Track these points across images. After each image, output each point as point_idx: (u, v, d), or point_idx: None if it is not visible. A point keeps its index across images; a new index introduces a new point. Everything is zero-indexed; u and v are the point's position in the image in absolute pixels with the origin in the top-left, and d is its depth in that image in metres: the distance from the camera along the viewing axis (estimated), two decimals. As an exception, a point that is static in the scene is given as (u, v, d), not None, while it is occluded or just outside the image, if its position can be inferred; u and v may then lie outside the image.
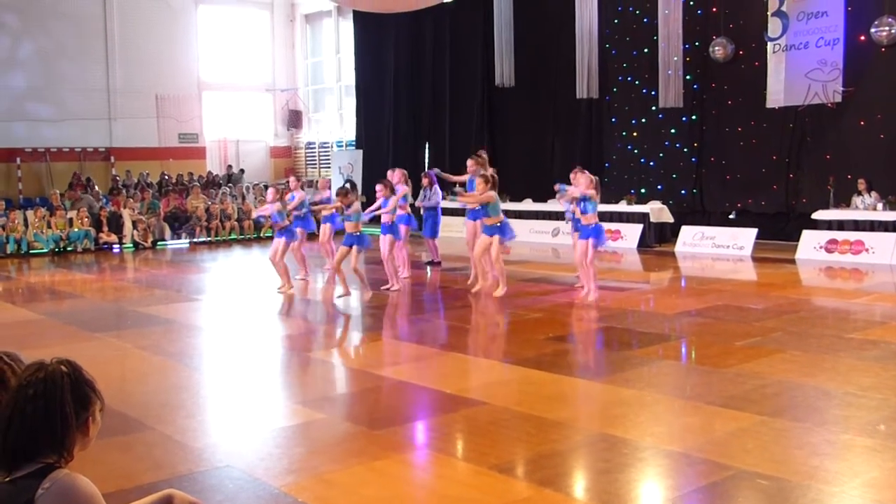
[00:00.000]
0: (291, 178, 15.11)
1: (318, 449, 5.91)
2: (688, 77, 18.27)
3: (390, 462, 5.54)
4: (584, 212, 11.35)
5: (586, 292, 11.43)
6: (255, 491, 5.11)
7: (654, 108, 18.78)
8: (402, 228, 13.36)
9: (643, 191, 19.24)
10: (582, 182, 11.32)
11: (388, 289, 12.61)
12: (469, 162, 13.61)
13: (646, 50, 18.96)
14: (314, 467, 5.48)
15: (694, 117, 18.63)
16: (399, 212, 13.18)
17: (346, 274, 12.13)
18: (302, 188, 14.79)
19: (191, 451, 5.86)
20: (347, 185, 13.42)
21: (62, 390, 2.55)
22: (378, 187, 12.95)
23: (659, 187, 19.19)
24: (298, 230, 13.75)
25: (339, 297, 11.94)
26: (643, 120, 19.47)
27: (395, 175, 13.66)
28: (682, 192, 18.91)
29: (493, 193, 11.55)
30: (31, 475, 2.49)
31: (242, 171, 27.26)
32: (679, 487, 5.01)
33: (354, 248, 11.82)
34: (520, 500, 4.93)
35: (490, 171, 12.44)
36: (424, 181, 15.44)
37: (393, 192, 12.94)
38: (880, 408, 6.41)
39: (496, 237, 11.61)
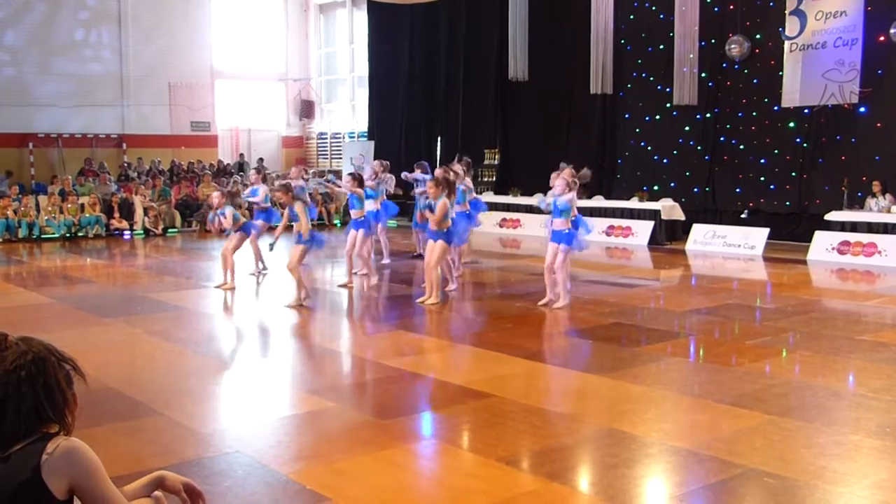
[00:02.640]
0: (252, 172, 14.77)
1: (327, 437, 5.92)
2: (703, 74, 18.23)
3: (398, 452, 5.56)
4: (555, 215, 10.58)
5: (548, 300, 10.76)
6: (263, 477, 5.12)
7: (668, 105, 18.73)
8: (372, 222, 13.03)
9: (655, 188, 19.19)
10: (557, 186, 10.54)
11: (344, 285, 12.41)
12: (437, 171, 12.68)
13: (661, 46, 18.90)
14: (322, 455, 5.49)
15: (708, 115, 18.56)
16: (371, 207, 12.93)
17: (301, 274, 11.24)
18: (264, 180, 14.57)
19: (200, 437, 5.88)
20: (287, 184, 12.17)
21: (53, 367, 2.60)
22: (346, 179, 12.87)
23: (671, 185, 19.12)
24: (259, 222, 13.74)
25: (294, 303, 10.99)
26: (657, 117, 19.42)
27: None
28: (695, 189, 18.86)
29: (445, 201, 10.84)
30: (32, 443, 2.52)
31: (261, 159, 27.33)
32: (686, 484, 5.00)
33: (303, 247, 10.92)
34: (526, 492, 4.93)
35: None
36: (418, 171, 15.20)
37: (362, 185, 12.71)
38: (890, 410, 6.38)
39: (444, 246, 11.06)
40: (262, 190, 14.22)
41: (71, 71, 24.31)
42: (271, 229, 14.38)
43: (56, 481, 2.49)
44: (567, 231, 10.54)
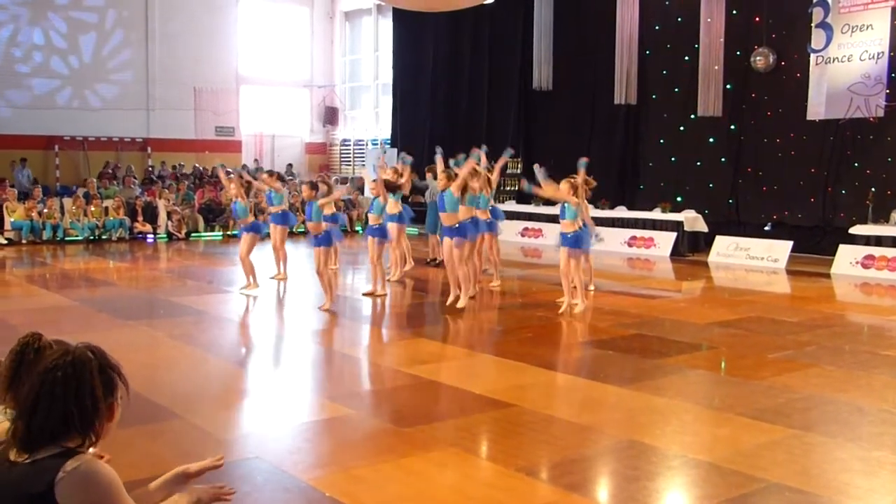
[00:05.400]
0: (264, 175, 14.31)
1: (346, 444, 5.92)
2: (728, 86, 18.13)
3: (417, 460, 5.54)
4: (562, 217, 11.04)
5: (567, 306, 10.96)
6: (282, 483, 5.12)
7: (692, 116, 18.64)
8: (394, 227, 12.95)
9: (679, 199, 19.09)
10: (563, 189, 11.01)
11: (371, 293, 12.23)
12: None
13: (686, 58, 18.81)
14: (342, 462, 5.49)
15: (733, 127, 18.45)
16: (392, 210, 12.78)
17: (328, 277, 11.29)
18: (280, 178, 14.40)
19: (220, 442, 5.89)
20: (316, 181, 12.18)
21: (91, 373, 2.58)
22: (370, 183, 12.84)
23: (695, 196, 19.00)
24: (278, 227, 13.60)
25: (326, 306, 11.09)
26: (681, 128, 19.32)
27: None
28: (718, 201, 18.73)
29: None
30: (53, 457, 2.51)
31: (290, 165, 27.53)
32: (708, 498, 4.96)
33: (322, 248, 10.94)
34: (546, 503, 4.91)
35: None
36: (429, 175, 15.18)
37: (390, 189, 12.57)
38: (915, 426, 6.32)
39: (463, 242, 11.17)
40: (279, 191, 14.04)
41: (98, 74, 24.52)
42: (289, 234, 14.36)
43: (69, 503, 2.47)
44: (572, 234, 10.85)
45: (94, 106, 24.34)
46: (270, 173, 14.24)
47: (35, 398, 2.55)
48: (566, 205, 10.91)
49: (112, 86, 24.72)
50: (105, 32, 24.66)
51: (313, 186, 11.19)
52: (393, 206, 12.76)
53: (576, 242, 10.88)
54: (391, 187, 12.56)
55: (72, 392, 2.55)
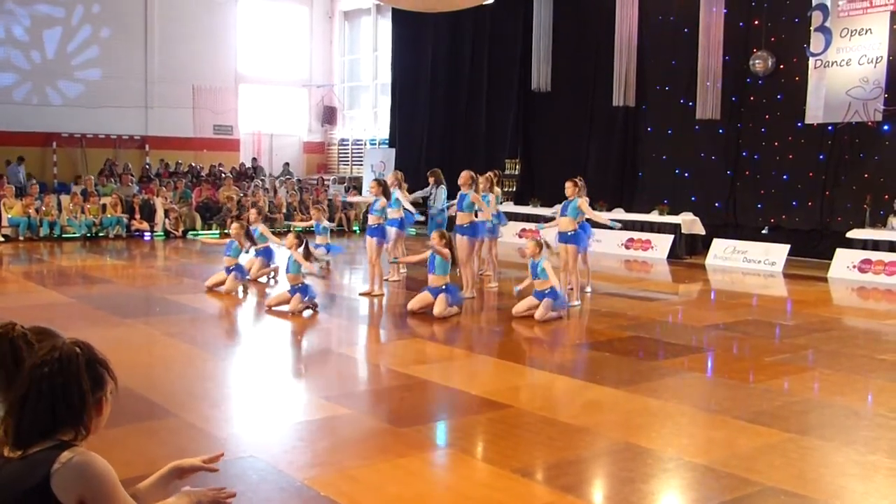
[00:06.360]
0: (252, 211, 14.24)
1: (343, 444, 5.91)
2: (726, 89, 18.14)
3: (413, 460, 5.54)
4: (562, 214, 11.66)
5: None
6: (277, 482, 5.11)
7: (691, 119, 18.65)
8: (392, 231, 13.01)
9: (676, 201, 19.09)
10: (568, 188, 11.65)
11: (368, 293, 12.27)
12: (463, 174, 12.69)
13: (685, 60, 18.83)
14: (338, 462, 5.48)
15: (731, 130, 18.48)
16: (393, 215, 12.92)
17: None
18: (265, 220, 14.74)
19: (215, 440, 5.88)
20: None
21: (78, 367, 2.59)
22: (371, 183, 12.90)
23: (692, 199, 19.02)
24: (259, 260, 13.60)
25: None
26: (679, 131, 19.34)
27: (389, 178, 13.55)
28: (716, 204, 18.75)
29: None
30: (47, 450, 2.52)
31: (287, 164, 27.55)
32: (703, 501, 4.96)
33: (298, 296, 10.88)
34: (541, 504, 4.91)
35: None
36: (431, 180, 15.26)
37: (385, 192, 12.57)
38: (910, 431, 6.32)
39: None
40: (262, 229, 13.84)
41: (96, 72, 24.50)
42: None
43: (65, 494, 2.47)
44: (572, 233, 11.44)
45: (92, 103, 24.31)
46: (259, 211, 14.26)
47: (24, 395, 2.55)
48: (569, 203, 11.32)
49: (110, 83, 24.69)
50: (104, 30, 24.64)
51: (298, 237, 11.08)
52: (393, 211, 12.85)
53: (574, 241, 11.34)
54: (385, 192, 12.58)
55: (59, 388, 2.55)
